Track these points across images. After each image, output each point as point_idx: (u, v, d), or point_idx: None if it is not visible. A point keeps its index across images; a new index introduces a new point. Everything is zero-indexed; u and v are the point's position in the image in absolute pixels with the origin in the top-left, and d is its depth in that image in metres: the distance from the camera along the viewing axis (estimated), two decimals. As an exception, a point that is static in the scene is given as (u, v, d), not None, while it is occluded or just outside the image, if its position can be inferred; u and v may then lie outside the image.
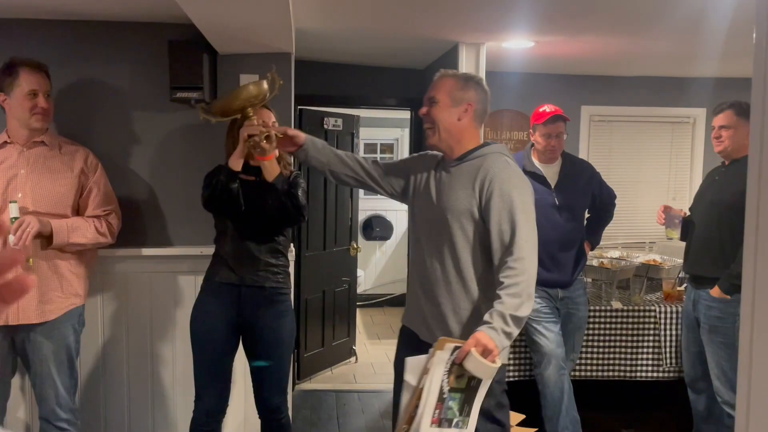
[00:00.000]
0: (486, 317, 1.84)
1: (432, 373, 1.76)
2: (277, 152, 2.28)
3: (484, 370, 1.76)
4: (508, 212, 1.94)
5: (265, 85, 2.14)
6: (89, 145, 2.68)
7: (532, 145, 3.10)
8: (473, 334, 1.81)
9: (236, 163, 2.26)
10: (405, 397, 1.83)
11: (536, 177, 2.98)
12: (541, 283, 2.97)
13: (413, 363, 1.82)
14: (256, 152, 2.17)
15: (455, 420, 1.79)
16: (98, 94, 3.01)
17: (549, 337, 2.99)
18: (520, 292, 1.85)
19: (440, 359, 1.77)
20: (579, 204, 3.07)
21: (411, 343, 2.11)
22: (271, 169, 2.29)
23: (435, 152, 2.15)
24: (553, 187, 3.01)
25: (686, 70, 4.46)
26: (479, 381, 1.79)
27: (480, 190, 1.97)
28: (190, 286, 3.02)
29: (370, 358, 4.89)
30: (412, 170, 2.15)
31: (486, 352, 1.77)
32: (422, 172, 2.13)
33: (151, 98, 3.03)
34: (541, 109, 3.06)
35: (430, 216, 2.05)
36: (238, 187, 2.30)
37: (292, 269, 2.96)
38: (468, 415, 1.81)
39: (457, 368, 1.78)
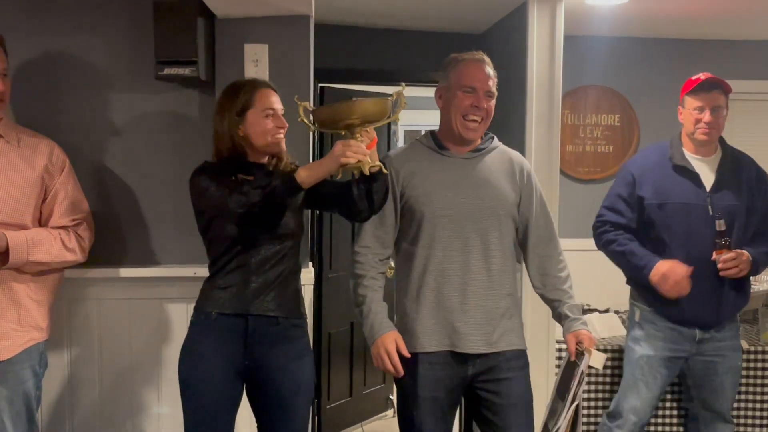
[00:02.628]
0: (568, 313, 2.47)
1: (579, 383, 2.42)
2: (376, 137, 2.33)
3: (602, 359, 2.43)
4: (543, 206, 2.56)
5: (388, 104, 2.24)
6: (55, 136, 2.72)
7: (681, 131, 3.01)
8: (576, 333, 2.43)
9: (311, 180, 2.24)
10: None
11: (686, 173, 2.90)
12: (675, 318, 2.92)
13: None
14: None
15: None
16: (66, 71, 3.06)
17: (645, 395, 2.94)
18: (571, 283, 2.54)
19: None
20: (742, 214, 2.92)
21: (446, 369, 2.42)
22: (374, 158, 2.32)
23: (396, 154, 2.55)
24: (708, 189, 2.90)
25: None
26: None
27: (521, 184, 2.50)
28: (182, 317, 3.05)
29: (412, 410, 4.86)
30: (399, 205, 2.50)
31: (593, 344, 2.42)
32: (414, 183, 2.45)
33: (131, 76, 3.07)
34: (694, 78, 2.97)
35: (469, 214, 2.41)
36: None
37: (309, 295, 2.98)
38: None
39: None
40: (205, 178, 2.36)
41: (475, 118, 2.43)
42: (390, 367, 2.37)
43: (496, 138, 2.58)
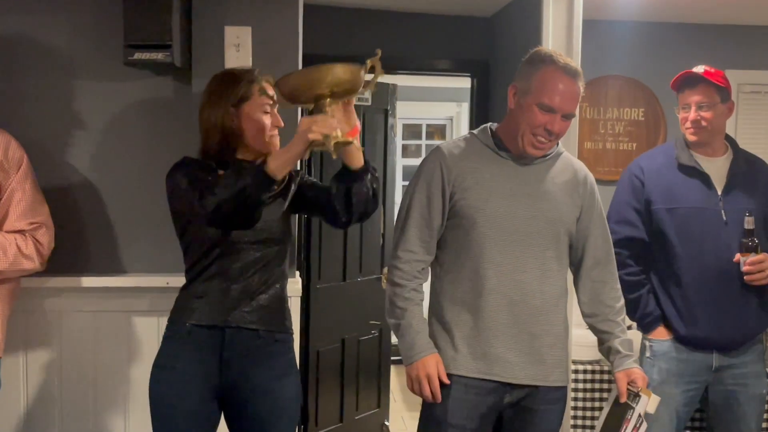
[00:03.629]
0: (620, 348, 2.47)
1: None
2: (359, 125, 2.32)
3: (655, 403, 2.42)
4: (603, 224, 2.55)
5: (362, 72, 2.20)
6: (10, 129, 2.72)
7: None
8: (628, 371, 2.43)
9: (282, 168, 2.22)
10: None
11: (695, 174, 2.93)
12: (690, 342, 2.92)
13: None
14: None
15: None
16: (23, 55, 3.06)
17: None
18: (625, 315, 2.56)
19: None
20: (759, 220, 2.92)
21: (482, 395, 2.39)
22: (358, 153, 2.30)
23: (449, 148, 2.48)
24: (720, 191, 2.93)
25: None
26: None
27: (583, 197, 2.49)
28: (152, 332, 3.05)
29: (411, 438, 4.88)
30: (444, 207, 2.45)
31: (645, 384, 2.44)
32: (467, 185, 2.41)
33: (97, 61, 3.07)
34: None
35: (527, 229, 2.40)
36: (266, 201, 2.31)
37: (296, 308, 2.98)
38: None
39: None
40: (180, 176, 2.36)
41: (546, 140, 2.38)
42: (428, 393, 2.36)
43: (560, 144, 2.53)
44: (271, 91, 2.29)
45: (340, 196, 2.34)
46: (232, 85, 2.42)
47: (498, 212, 2.38)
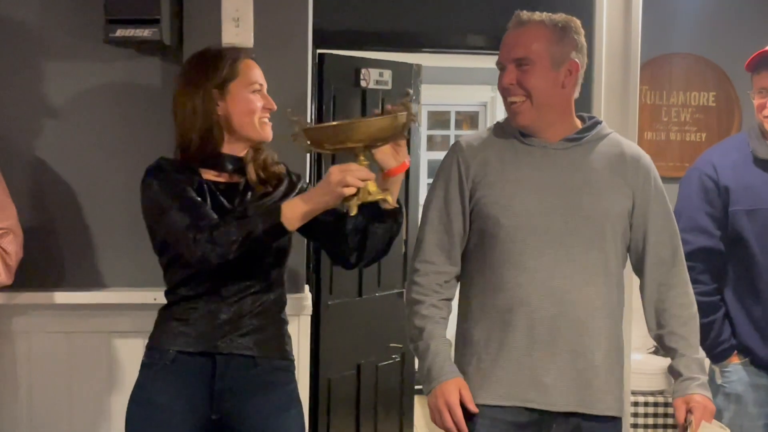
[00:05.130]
0: (682, 369, 2.40)
1: None
2: (408, 160, 2.38)
3: None
4: (670, 220, 2.49)
5: (401, 118, 2.23)
6: None
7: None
8: (687, 398, 2.36)
9: (299, 221, 2.27)
10: None
11: None
12: (764, 362, 2.96)
13: None
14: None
15: None
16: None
17: None
18: (697, 327, 2.48)
19: None
20: None
21: (514, 430, 2.35)
22: (395, 191, 2.37)
23: (468, 140, 2.51)
24: None
25: None
26: None
27: (635, 185, 2.43)
28: (136, 355, 2.96)
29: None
30: (465, 205, 2.45)
31: (711, 415, 2.37)
32: (489, 180, 2.41)
33: (73, 39, 3.08)
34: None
35: (563, 227, 2.37)
36: None
37: (305, 329, 3.01)
38: None
39: None
40: (160, 191, 2.36)
41: (514, 99, 2.37)
42: (451, 424, 2.31)
43: (604, 124, 2.50)
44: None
45: (357, 229, 2.40)
46: (213, 64, 2.42)
47: (527, 209, 2.35)
